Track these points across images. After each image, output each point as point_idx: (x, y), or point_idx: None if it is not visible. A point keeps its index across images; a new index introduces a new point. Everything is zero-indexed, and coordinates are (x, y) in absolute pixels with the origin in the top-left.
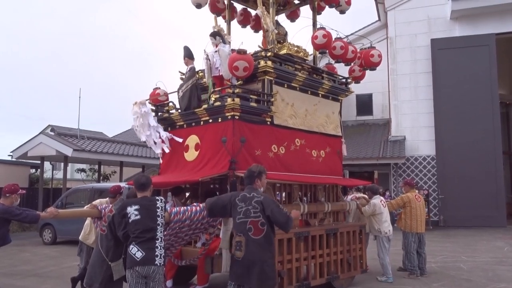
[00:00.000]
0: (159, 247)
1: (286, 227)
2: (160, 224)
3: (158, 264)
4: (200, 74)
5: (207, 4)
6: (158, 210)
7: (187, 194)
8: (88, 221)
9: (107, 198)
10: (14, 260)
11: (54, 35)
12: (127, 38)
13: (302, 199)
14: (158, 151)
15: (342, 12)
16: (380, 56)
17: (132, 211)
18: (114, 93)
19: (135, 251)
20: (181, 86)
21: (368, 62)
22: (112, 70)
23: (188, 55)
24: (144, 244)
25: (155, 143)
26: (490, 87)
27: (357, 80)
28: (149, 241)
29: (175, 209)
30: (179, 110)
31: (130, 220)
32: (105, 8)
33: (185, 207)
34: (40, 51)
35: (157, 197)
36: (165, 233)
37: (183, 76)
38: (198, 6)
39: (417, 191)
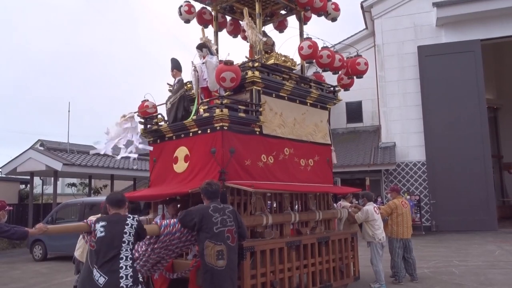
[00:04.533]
0: (124, 267)
1: (243, 240)
2: (127, 242)
3: (125, 286)
4: (189, 85)
5: (195, 17)
6: (126, 227)
7: (179, 205)
8: (81, 236)
9: (99, 215)
10: (4, 278)
11: (46, 52)
12: (117, 55)
13: (293, 208)
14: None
15: (334, 19)
16: (366, 64)
17: (98, 228)
18: (105, 107)
19: (98, 277)
20: (169, 98)
21: (354, 70)
22: (104, 85)
23: (176, 67)
24: (106, 266)
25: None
26: (477, 92)
27: (346, 87)
28: (111, 261)
29: (165, 221)
30: (168, 122)
31: (95, 238)
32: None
33: (174, 220)
34: (32, 66)
35: (129, 215)
36: (156, 246)
37: (171, 88)
38: (187, 21)
39: (408, 196)
